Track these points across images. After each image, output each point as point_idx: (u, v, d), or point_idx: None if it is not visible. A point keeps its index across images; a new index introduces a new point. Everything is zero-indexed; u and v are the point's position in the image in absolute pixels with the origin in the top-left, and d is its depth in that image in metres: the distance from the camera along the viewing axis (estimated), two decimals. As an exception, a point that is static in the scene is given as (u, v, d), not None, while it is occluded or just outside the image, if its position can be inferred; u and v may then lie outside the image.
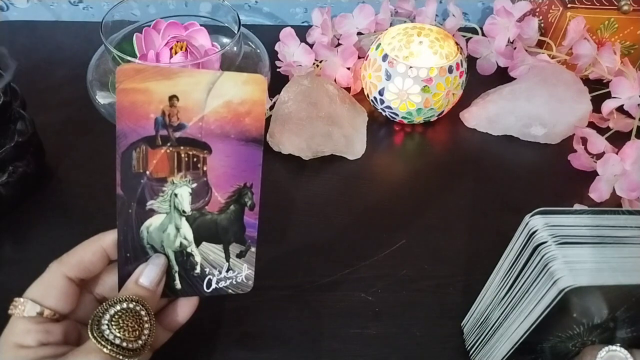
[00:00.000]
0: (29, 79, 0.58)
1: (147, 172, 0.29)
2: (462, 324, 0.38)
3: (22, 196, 0.45)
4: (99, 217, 0.45)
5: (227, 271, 0.33)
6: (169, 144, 0.29)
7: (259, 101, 0.29)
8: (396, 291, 0.41)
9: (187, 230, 0.31)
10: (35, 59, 0.61)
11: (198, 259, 0.32)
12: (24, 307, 0.28)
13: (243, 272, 0.33)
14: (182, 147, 0.29)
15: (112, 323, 0.27)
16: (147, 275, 0.30)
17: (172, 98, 0.28)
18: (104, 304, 0.28)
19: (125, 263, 0.31)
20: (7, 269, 0.41)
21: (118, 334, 0.27)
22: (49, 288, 0.29)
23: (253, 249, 0.33)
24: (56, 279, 0.30)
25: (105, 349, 0.26)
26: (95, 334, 0.26)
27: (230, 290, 0.33)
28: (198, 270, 0.32)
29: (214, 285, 0.33)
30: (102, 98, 0.49)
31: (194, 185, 0.30)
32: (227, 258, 0.32)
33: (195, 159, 0.30)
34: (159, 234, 0.31)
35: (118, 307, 0.28)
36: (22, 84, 0.46)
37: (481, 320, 0.34)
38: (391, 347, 0.38)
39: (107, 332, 0.27)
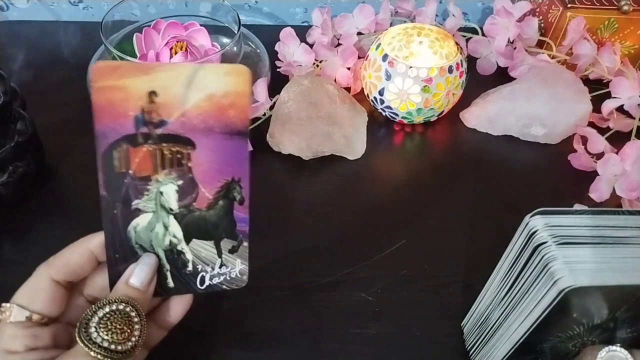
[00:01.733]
0: (29, 79, 0.58)
1: (130, 172, 0.28)
2: (462, 324, 0.38)
3: (22, 196, 0.45)
4: (99, 217, 0.45)
5: (220, 267, 0.32)
6: (150, 142, 0.28)
7: (242, 93, 0.28)
8: (396, 291, 0.41)
9: (175, 228, 0.31)
10: (35, 59, 0.61)
11: (189, 256, 0.31)
12: (10, 313, 0.28)
13: (237, 267, 0.32)
14: (164, 144, 0.28)
15: (100, 326, 0.27)
16: (138, 275, 0.30)
17: (151, 94, 0.27)
18: (93, 306, 0.28)
19: (114, 264, 0.30)
20: (7, 269, 0.41)
21: (106, 337, 0.26)
22: (36, 292, 0.29)
23: (245, 244, 0.32)
24: (43, 283, 0.29)
25: (92, 352, 0.26)
26: (82, 337, 0.26)
27: (224, 286, 0.32)
28: (190, 267, 0.32)
29: (207, 282, 0.32)
30: (102, 98, 0.49)
31: (180, 182, 0.29)
32: (219, 254, 0.32)
33: (179, 156, 0.29)
34: (147, 234, 0.30)
35: (107, 309, 0.27)
36: (22, 84, 0.46)
37: (481, 320, 0.34)
38: (391, 347, 0.38)
39: (95, 335, 0.26)
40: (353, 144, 0.51)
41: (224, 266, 0.32)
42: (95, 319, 0.27)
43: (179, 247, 0.31)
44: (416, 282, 0.41)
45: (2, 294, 0.40)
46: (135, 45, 0.49)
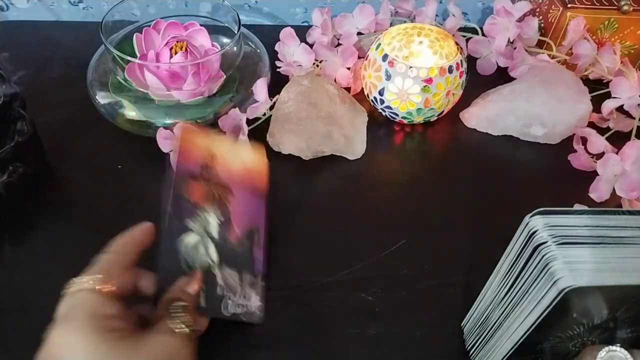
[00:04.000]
0: (29, 79, 0.58)
1: (189, 198, 0.37)
2: (462, 324, 0.38)
3: (22, 196, 0.45)
4: (99, 217, 0.45)
5: (241, 298, 0.37)
6: (206, 182, 0.38)
7: (263, 168, 0.42)
8: (396, 291, 0.41)
9: (213, 253, 0.37)
10: (35, 59, 0.61)
11: (219, 280, 0.36)
12: (96, 281, 0.31)
13: (255, 302, 0.37)
14: (215, 187, 0.38)
15: (177, 311, 0.32)
16: (192, 285, 0.34)
17: (213, 153, 0.39)
18: (165, 297, 0.32)
19: (163, 270, 0.34)
20: (7, 269, 0.41)
21: (184, 319, 0.31)
22: (114, 267, 0.32)
23: (262, 283, 0.38)
24: (119, 261, 0.33)
25: (177, 329, 0.31)
26: (169, 318, 0.31)
27: (243, 318, 0.36)
28: (219, 291, 0.36)
29: (230, 309, 0.36)
30: (102, 98, 0.49)
31: (222, 218, 0.38)
32: (242, 285, 0.37)
33: (222, 198, 0.38)
34: (192, 251, 0.36)
35: (176, 304, 0.32)
36: (22, 84, 0.46)
37: (481, 320, 0.34)
38: (391, 347, 0.38)
39: (175, 317, 0.31)
40: (353, 144, 0.51)
41: (244, 297, 0.37)
42: (172, 306, 0.32)
43: (213, 270, 0.36)
44: (416, 282, 0.41)
45: (2, 293, 0.40)
46: (135, 45, 0.49)
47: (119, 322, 0.30)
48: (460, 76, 0.51)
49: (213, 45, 0.52)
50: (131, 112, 0.48)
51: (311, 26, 0.62)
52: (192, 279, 0.35)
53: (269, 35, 0.58)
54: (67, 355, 0.27)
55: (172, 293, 0.33)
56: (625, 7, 0.56)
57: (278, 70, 0.57)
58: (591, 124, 0.53)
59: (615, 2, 0.57)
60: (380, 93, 0.51)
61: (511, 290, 0.30)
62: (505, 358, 0.31)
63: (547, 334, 0.29)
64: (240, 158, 0.40)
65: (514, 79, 0.58)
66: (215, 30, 0.54)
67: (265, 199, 0.41)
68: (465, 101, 0.55)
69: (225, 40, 0.55)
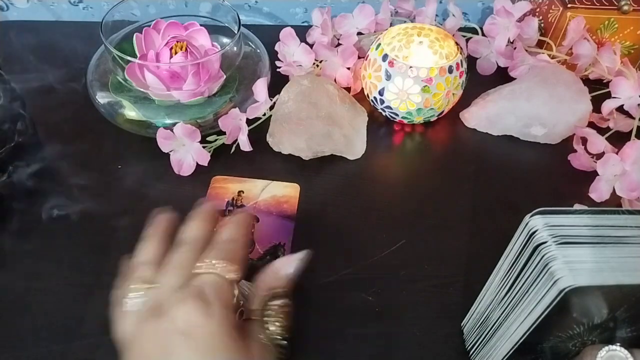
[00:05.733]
0: (29, 79, 0.58)
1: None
2: (462, 324, 0.38)
3: (22, 196, 0.44)
4: (99, 217, 0.45)
5: None
6: (231, 213, 0.43)
7: (294, 197, 0.47)
8: (396, 291, 0.41)
9: None
10: (35, 59, 0.61)
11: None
12: (224, 268, 0.32)
13: None
14: None
15: (271, 317, 0.33)
16: (287, 268, 0.36)
17: (240, 192, 0.47)
18: (263, 293, 0.34)
19: None
20: (7, 269, 0.41)
21: (275, 332, 0.33)
22: (236, 255, 0.33)
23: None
24: (238, 249, 0.34)
25: (269, 338, 0.32)
26: (263, 323, 0.33)
27: None
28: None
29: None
30: (102, 98, 0.49)
31: None
32: None
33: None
34: None
35: (275, 303, 0.33)
36: (22, 84, 0.46)
37: (481, 320, 0.34)
38: (391, 347, 0.38)
39: (269, 324, 0.33)
40: (353, 144, 0.51)
41: None
42: (267, 306, 0.33)
43: None
44: (416, 282, 0.41)
45: (2, 293, 0.40)
46: (135, 45, 0.49)
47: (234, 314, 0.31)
48: (460, 76, 0.51)
49: (213, 45, 0.52)
50: (131, 112, 0.48)
51: (311, 26, 0.62)
52: (288, 261, 0.35)
53: (269, 35, 0.58)
54: (194, 335, 0.28)
55: (266, 283, 0.34)
56: (625, 7, 0.56)
57: (278, 70, 0.57)
58: (591, 124, 0.53)
59: (615, 2, 0.57)
60: (380, 93, 0.51)
61: (511, 290, 0.30)
62: (505, 358, 0.31)
63: (547, 333, 0.29)
64: (269, 190, 0.47)
65: (514, 79, 0.58)
66: (215, 30, 0.54)
67: (294, 219, 0.45)
68: (465, 101, 0.55)
69: (225, 40, 0.55)
